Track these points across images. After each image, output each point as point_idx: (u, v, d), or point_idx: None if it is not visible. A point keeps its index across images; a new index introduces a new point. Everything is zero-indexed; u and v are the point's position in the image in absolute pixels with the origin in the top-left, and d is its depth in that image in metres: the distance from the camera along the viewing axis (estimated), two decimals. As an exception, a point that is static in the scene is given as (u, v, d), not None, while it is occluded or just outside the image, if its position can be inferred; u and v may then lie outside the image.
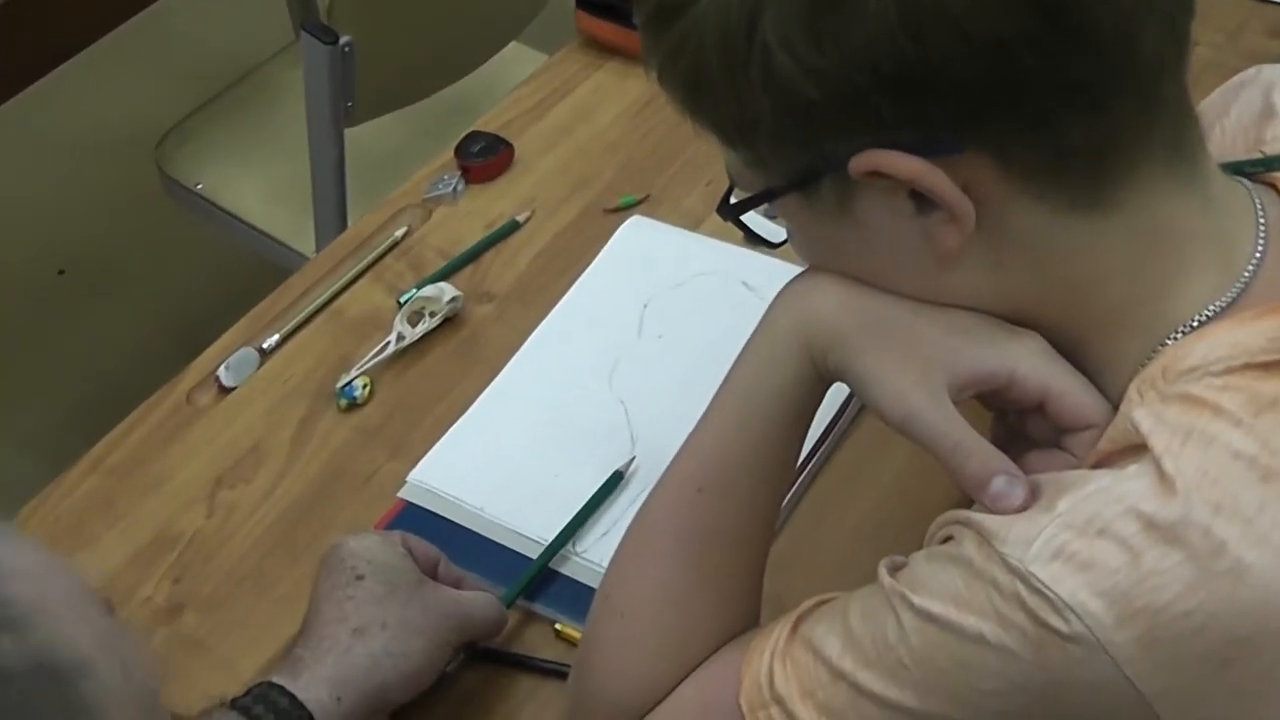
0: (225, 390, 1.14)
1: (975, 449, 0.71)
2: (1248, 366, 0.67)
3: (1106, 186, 0.69)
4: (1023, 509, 0.68)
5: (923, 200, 0.69)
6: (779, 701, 0.73)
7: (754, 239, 0.83)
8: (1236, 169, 0.76)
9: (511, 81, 1.48)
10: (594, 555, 0.99)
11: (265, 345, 1.16)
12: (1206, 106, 0.85)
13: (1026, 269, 0.71)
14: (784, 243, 0.82)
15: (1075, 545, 0.65)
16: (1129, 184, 0.69)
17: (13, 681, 0.49)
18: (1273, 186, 0.75)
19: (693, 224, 1.22)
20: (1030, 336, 0.74)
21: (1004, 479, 0.69)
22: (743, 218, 0.79)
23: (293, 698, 0.84)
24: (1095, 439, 0.71)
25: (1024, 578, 0.65)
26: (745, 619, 0.82)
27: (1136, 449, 0.67)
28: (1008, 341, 0.74)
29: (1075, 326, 0.73)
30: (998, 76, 0.65)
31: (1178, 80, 0.70)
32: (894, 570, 0.72)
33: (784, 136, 0.70)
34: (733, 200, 0.77)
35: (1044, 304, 0.73)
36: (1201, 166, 0.71)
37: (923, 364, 0.74)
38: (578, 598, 0.94)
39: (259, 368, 1.15)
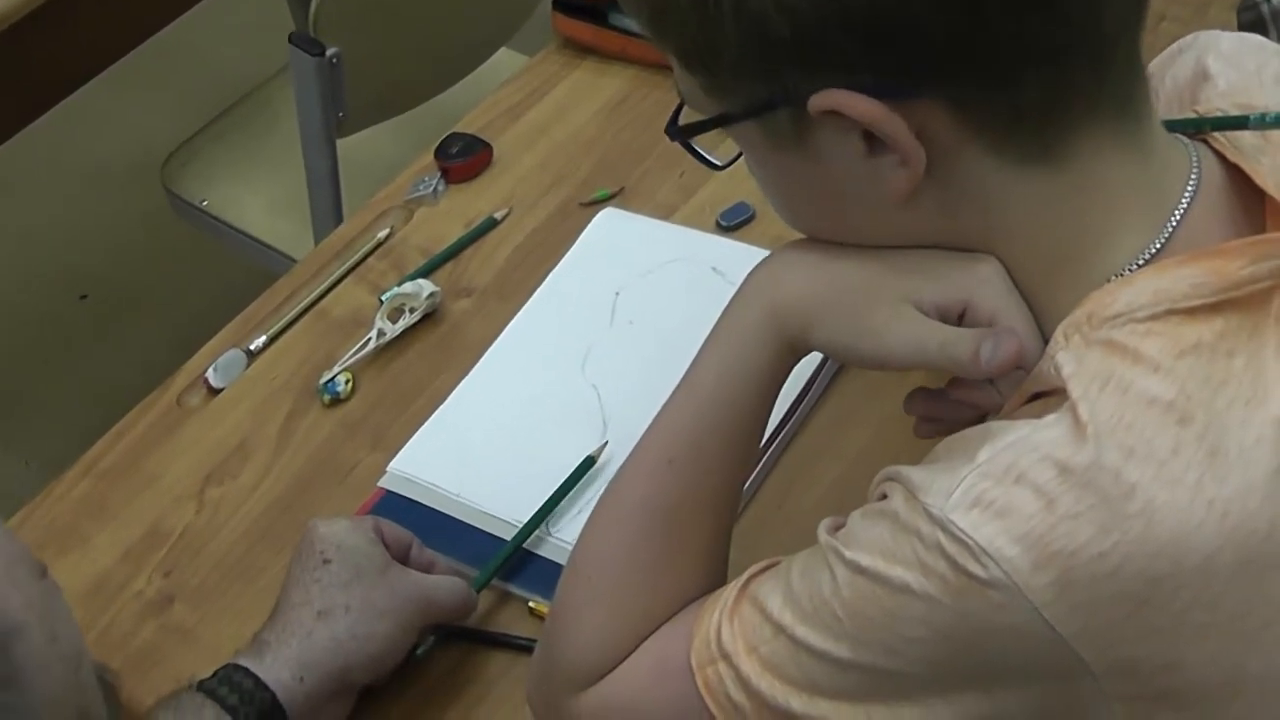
0: (214, 391, 1.17)
1: (958, 337, 0.74)
2: (1170, 312, 0.68)
3: (1055, 142, 0.70)
4: (1015, 350, 0.72)
5: (875, 142, 0.70)
6: (725, 657, 0.75)
7: (700, 160, 0.83)
8: (1170, 128, 0.78)
9: (504, 87, 1.51)
10: (568, 535, 1.01)
11: (252, 347, 1.19)
12: (1151, 70, 0.86)
13: (972, 214, 0.73)
14: (728, 165, 0.83)
15: (993, 493, 0.66)
16: (1077, 140, 0.70)
17: None
18: (1207, 144, 0.77)
19: (666, 214, 1.24)
20: (985, 262, 0.75)
21: (987, 344, 0.73)
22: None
23: (256, 679, 0.86)
24: (1022, 379, 0.73)
25: (944, 526, 0.67)
26: (710, 587, 0.83)
27: (1058, 393, 0.69)
28: (962, 273, 0.75)
29: (1017, 271, 0.75)
30: (965, 32, 0.66)
31: (1133, 43, 0.71)
32: (833, 530, 0.74)
33: (746, 68, 0.70)
34: (681, 122, 0.78)
35: (987, 248, 0.75)
36: (1146, 125, 0.73)
37: (892, 306, 0.76)
38: (552, 577, 0.94)
39: (246, 368, 1.18)
